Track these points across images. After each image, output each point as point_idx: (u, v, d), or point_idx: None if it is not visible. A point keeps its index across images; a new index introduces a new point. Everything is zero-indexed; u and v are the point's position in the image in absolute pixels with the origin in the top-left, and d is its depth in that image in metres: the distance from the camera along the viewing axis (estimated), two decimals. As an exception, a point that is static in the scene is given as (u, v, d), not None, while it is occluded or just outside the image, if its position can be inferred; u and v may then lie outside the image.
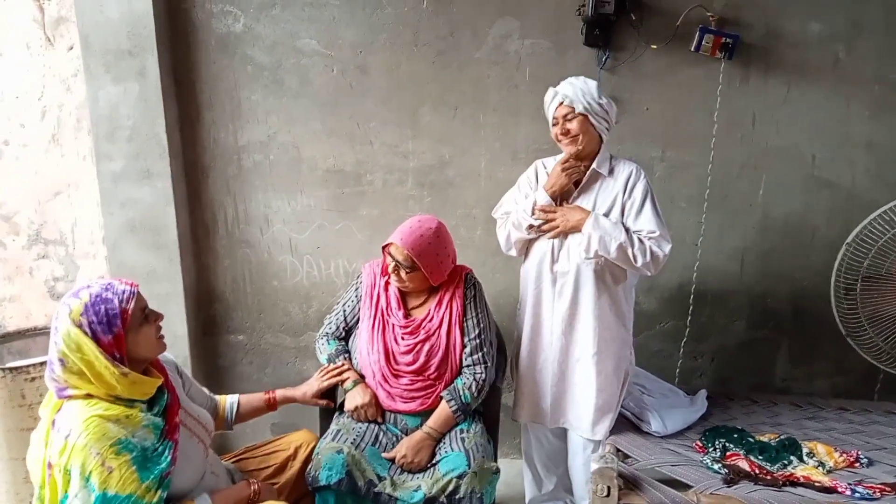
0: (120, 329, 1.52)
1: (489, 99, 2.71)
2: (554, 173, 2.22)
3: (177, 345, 2.79)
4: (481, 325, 2.17)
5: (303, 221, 2.84)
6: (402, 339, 2.12)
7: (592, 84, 2.14)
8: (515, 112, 2.72)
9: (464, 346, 2.14)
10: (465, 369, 2.14)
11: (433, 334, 2.12)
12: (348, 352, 2.24)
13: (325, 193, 2.81)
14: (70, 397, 1.52)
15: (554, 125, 2.20)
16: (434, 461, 2.00)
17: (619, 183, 2.20)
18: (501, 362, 2.40)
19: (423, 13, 2.63)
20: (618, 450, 2.17)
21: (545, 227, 2.22)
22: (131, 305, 1.55)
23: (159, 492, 1.51)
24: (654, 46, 2.59)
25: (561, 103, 2.15)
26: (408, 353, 2.11)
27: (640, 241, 2.14)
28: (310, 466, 1.92)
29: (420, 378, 2.11)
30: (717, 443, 2.22)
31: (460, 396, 2.09)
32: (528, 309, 2.33)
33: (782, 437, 2.28)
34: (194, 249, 2.85)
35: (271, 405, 2.11)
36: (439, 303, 2.16)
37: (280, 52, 2.67)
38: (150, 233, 2.68)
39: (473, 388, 2.10)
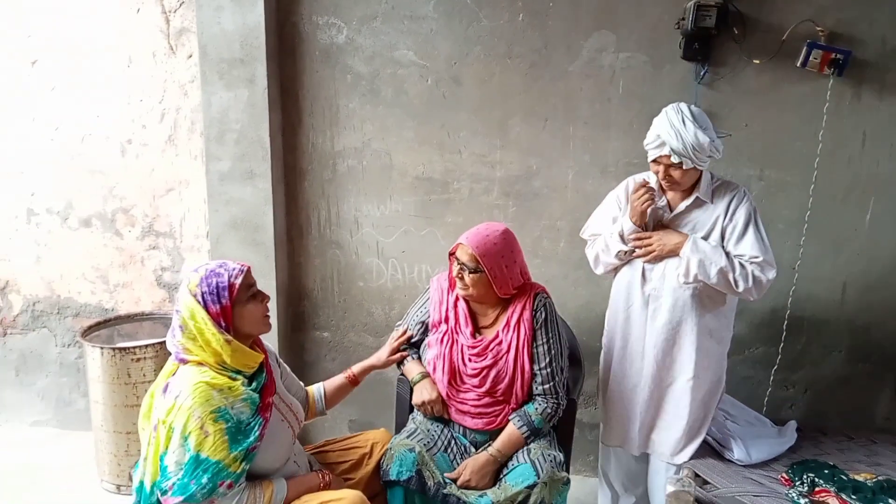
0: (227, 301, 1.68)
1: (580, 112, 2.71)
2: (631, 204, 2.17)
3: (267, 338, 2.91)
4: (552, 353, 2.08)
5: (390, 226, 2.93)
6: (470, 360, 2.08)
7: (704, 140, 1.99)
8: (606, 126, 2.70)
9: (533, 375, 2.07)
10: (536, 397, 2.08)
11: (501, 358, 2.05)
12: (417, 353, 2.26)
13: (413, 200, 2.89)
14: (185, 362, 1.69)
15: (653, 162, 2.12)
16: (500, 476, 2.01)
17: (721, 206, 2.13)
18: (578, 376, 2.38)
19: (518, 26, 2.67)
20: (696, 475, 2.10)
21: (640, 252, 2.18)
22: (238, 281, 1.71)
23: (243, 463, 1.63)
24: (758, 61, 2.50)
25: (668, 155, 2.04)
26: (475, 376, 2.07)
27: (742, 265, 2.06)
28: (383, 459, 1.98)
29: (487, 396, 2.08)
30: (805, 477, 2.10)
31: (532, 421, 2.04)
32: (618, 331, 2.30)
33: (880, 477, 2.13)
34: (288, 248, 3.00)
35: (353, 381, 2.19)
36: (507, 324, 2.08)
37: (378, 63, 2.78)
38: (249, 230, 2.85)
39: (545, 414, 2.05)
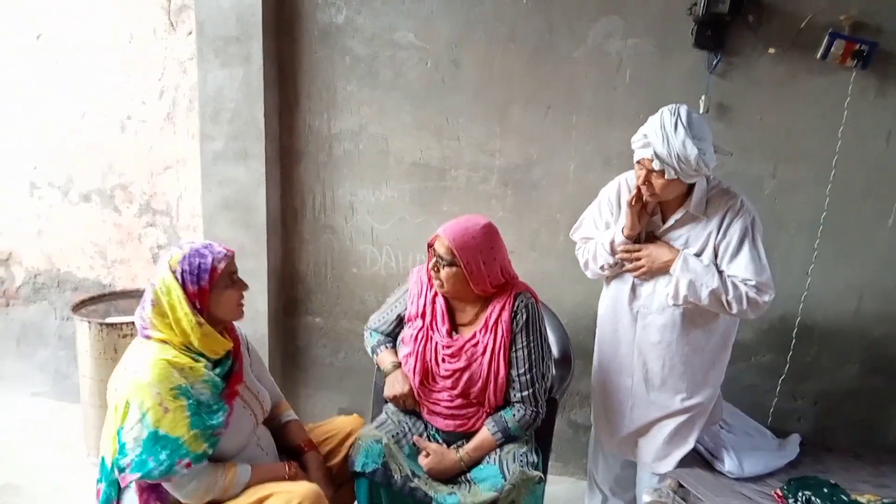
0: (206, 283, 1.65)
1: (584, 100, 2.59)
2: (626, 215, 2.01)
3: (257, 320, 2.90)
4: (532, 358, 1.93)
5: (385, 212, 2.85)
6: (444, 360, 1.97)
7: (692, 152, 1.80)
8: (611, 115, 2.57)
9: (511, 381, 1.93)
10: (515, 403, 1.96)
11: (475, 361, 1.93)
12: (392, 343, 2.15)
13: (409, 187, 2.80)
14: (149, 338, 1.66)
15: (637, 164, 1.95)
16: (468, 475, 1.92)
17: (714, 221, 1.96)
18: (566, 375, 2.27)
19: (521, 9, 2.56)
20: (680, 485, 1.98)
21: (629, 266, 2.05)
22: (221, 266, 1.68)
23: (205, 445, 1.59)
24: (772, 50, 2.35)
25: (651, 159, 1.87)
26: (448, 377, 1.96)
27: (736, 286, 1.91)
28: (351, 449, 1.92)
29: (460, 397, 1.97)
30: (800, 494, 1.97)
31: (508, 428, 1.93)
32: (606, 345, 2.20)
33: (885, 500, 1.98)
34: (282, 232, 2.95)
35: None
36: (485, 325, 1.94)
37: (377, 45, 2.70)
38: (242, 211, 2.81)
39: (523, 422, 1.93)
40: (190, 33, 2.84)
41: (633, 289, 2.08)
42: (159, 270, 1.66)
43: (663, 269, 1.99)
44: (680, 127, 1.82)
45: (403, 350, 2.06)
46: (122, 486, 1.63)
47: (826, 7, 2.28)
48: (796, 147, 2.45)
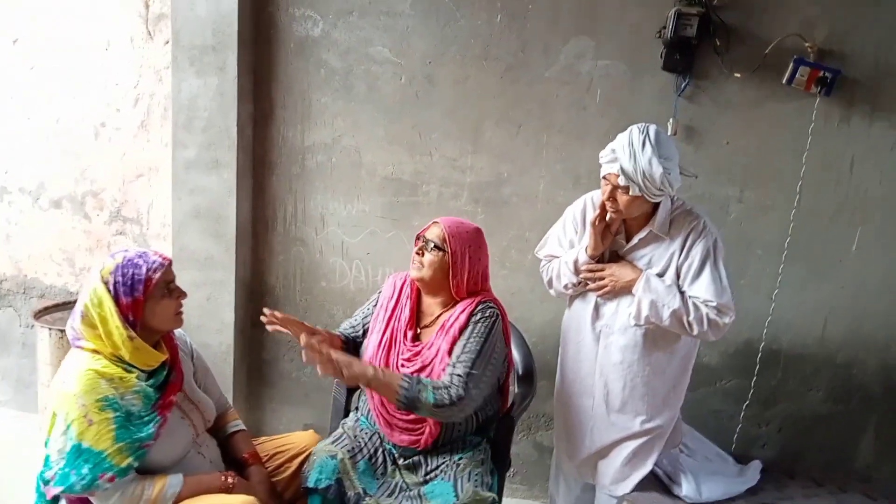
0: (140, 295, 1.60)
1: (555, 119, 2.60)
2: (590, 234, 2.01)
3: (224, 332, 2.87)
4: (467, 348, 1.84)
5: (356, 226, 2.84)
6: (403, 365, 1.94)
7: (658, 171, 1.80)
8: (582, 135, 2.59)
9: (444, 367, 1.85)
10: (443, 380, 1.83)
11: (429, 364, 1.91)
12: (351, 343, 2.11)
13: (381, 200, 2.80)
14: (80, 348, 1.61)
15: (603, 179, 1.94)
16: (421, 490, 1.88)
17: (678, 241, 1.95)
18: (528, 393, 2.25)
19: (495, 27, 2.59)
20: (637, 508, 1.95)
21: (592, 286, 2.05)
22: (157, 276, 1.62)
23: (129, 458, 1.54)
24: (738, 75, 2.38)
25: (617, 174, 1.87)
26: None
27: (697, 307, 1.91)
28: (306, 464, 1.88)
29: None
30: (758, 521, 1.95)
31: (419, 390, 1.75)
32: (568, 364, 2.18)
33: (843, 528, 1.96)
34: (252, 242, 2.93)
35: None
36: (442, 327, 1.92)
37: (352, 58, 2.72)
38: (212, 221, 2.79)
39: (437, 394, 1.75)
40: (167, 42, 2.85)
41: (596, 308, 2.08)
42: (91, 281, 1.60)
43: (626, 289, 1.99)
44: (648, 145, 1.83)
45: (367, 354, 2.03)
46: (48, 498, 1.56)
47: (792, 33, 2.32)
48: (762, 171, 2.47)
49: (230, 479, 1.70)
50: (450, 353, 1.88)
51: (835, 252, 2.47)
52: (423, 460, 1.95)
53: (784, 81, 2.35)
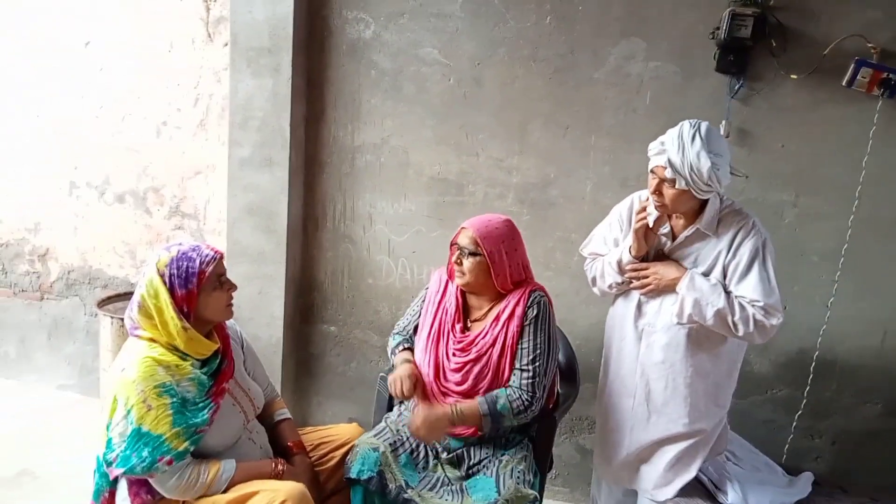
0: (194, 287, 1.67)
1: (603, 121, 2.59)
2: (632, 237, 1.99)
3: (273, 325, 2.96)
4: (537, 351, 1.95)
5: (403, 224, 2.89)
6: (454, 354, 2.00)
7: (706, 164, 1.77)
8: (630, 138, 2.57)
9: (513, 371, 1.95)
10: (511, 386, 1.95)
11: (484, 354, 1.96)
12: (411, 345, 2.17)
13: (427, 200, 2.84)
14: (138, 336, 1.69)
15: (651, 172, 1.92)
16: (463, 484, 1.90)
17: (725, 240, 1.92)
18: (571, 394, 2.24)
19: (544, 29, 2.59)
20: (679, 514, 1.93)
21: (636, 284, 2.03)
22: (209, 269, 1.69)
23: (186, 442, 1.61)
24: (794, 76, 2.32)
25: (664, 167, 1.85)
26: (457, 370, 1.99)
27: (743, 307, 1.86)
28: (349, 456, 1.93)
29: (467, 398, 1.97)
30: (805, 534, 1.89)
31: (496, 402, 1.90)
32: (611, 364, 2.16)
33: (897, 548, 1.89)
34: (303, 239, 3.01)
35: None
36: (496, 319, 1.99)
37: (402, 60, 2.77)
38: (264, 217, 2.88)
39: (513, 404, 1.90)
40: (226, 44, 2.96)
41: (639, 306, 2.06)
42: (147, 272, 1.66)
43: (670, 287, 1.96)
44: (698, 138, 1.80)
45: (418, 348, 2.09)
46: (111, 478, 1.66)
47: (853, 34, 2.25)
48: (818, 176, 2.40)
49: (280, 466, 1.77)
50: (511, 348, 1.95)
51: (895, 261, 2.38)
52: (465, 454, 1.98)
53: (844, 83, 2.27)
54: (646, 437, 2.06)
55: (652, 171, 1.91)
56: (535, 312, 1.98)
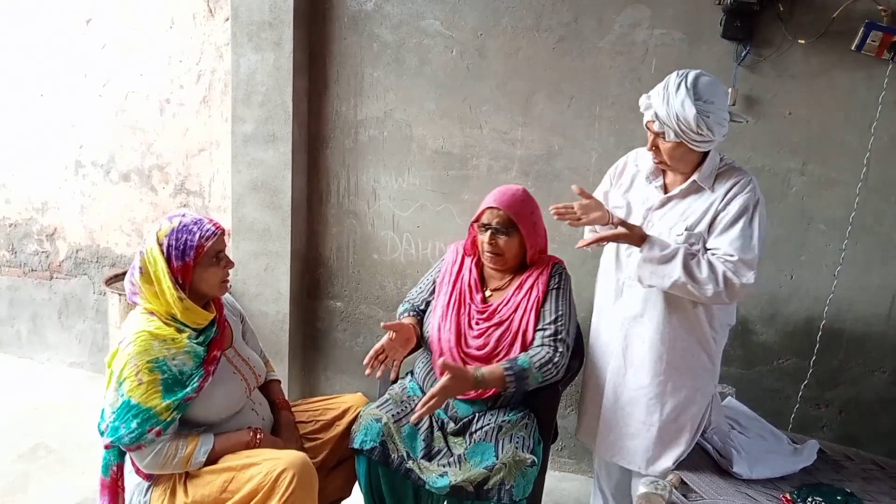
0: (191, 260, 1.67)
1: (608, 91, 2.56)
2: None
3: (280, 301, 2.97)
4: (559, 312, 1.98)
5: (407, 199, 2.88)
6: (476, 323, 2.04)
7: (691, 112, 1.72)
8: (635, 107, 2.45)
9: (535, 332, 1.98)
10: (533, 346, 1.97)
11: (507, 319, 2.01)
12: (420, 316, 2.18)
13: (431, 174, 2.83)
14: (136, 304, 1.72)
15: (647, 128, 1.89)
16: (464, 453, 1.92)
17: (720, 193, 1.85)
18: (575, 366, 2.24)
19: (548, -3, 2.56)
20: (683, 482, 1.93)
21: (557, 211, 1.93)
22: (209, 244, 1.70)
23: (174, 412, 1.63)
24: (802, 41, 2.27)
25: (652, 120, 1.82)
26: (479, 336, 2.03)
27: (711, 265, 1.78)
28: (353, 426, 1.95)
29: (486, 363, 1.97)
30: (811, 500, 1.89)
31: (517, 360, 1.89)
32: (594, 321, 2.15)
33: (903, 513, 1.89)
34: (307, 215, 3.01)
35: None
36: (519, 287, 2.03)
37: (404, 32, 2.74)
38: (269, 193, 2.88)
39: (536, 358, 1.89)
40: (227, 19, 2.94)
41: (618, 259, 2.03)
42: (148, 240, 1.68)
43: (620, 239, 1.87)
44: (682, 88, 1.76)
45: (435, 316, 2.09)
46: (104, 447, 1.70)
47: (862, -3, 2.20)
48: (827, 142, 2.37)
49: (259, 435, 1.78)
50: (536, 313, 1.99)
51: (904, 228, 2.36)
52: (471, 421, 2.00)
53: (853, 48, 2.23)
54: (624, 397, 2.02)
55: (646, 127, 1.88)
56: (557, 281, 2.06)
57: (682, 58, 2.44)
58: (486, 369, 1.88)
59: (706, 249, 1.84)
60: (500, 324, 2.01)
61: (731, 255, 1.77)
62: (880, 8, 2.20)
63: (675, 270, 1.79)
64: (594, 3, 2.51)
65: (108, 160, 3.29)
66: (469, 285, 2.11)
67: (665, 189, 1.97)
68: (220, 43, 2.99)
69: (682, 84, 1.76)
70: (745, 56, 2.36)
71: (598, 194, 2.15)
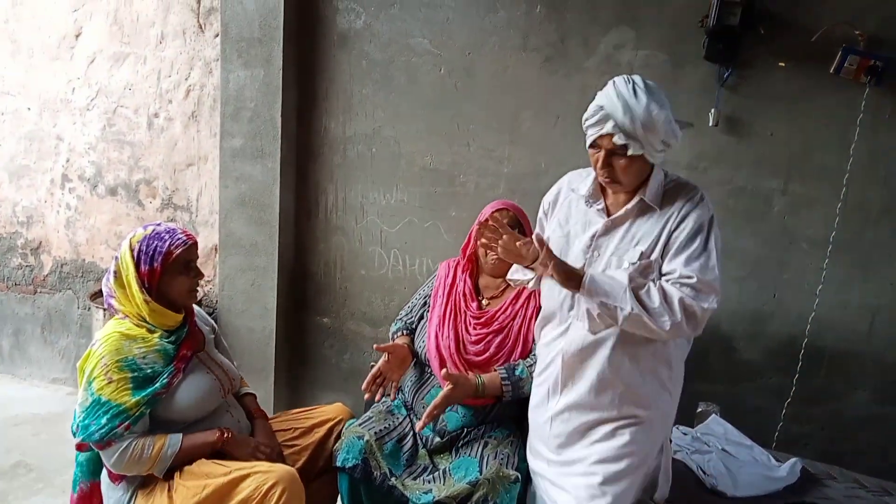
0: (158, 266, 1.72)
1: (594, 110, 2.59)
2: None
3: (266, 317, 2.96)
4: None
5: (395, 215, 2.89)
6: (474, 329, 2.08)
7: (659, 116, 1.55)
8: (620, 126, 2.56)
9: (533, 342, 2.00)
10: (530, 354, 2.02)
11: (506, 326, 2.06)
12: (412, 333, 2.21)
13: (419, 191, 2.84)
14: (111, 307, 1.77)
15: (592, 147, 1.66)
16: (448, 468, 1.92)
17: (670, 212, 1.65)
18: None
19: (535, 18, 2.59)
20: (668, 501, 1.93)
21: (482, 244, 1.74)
22: (177, 251, 1.75)
23: (144, 407, 1.67)
24: (783, 64, 2.32)
25: (611, 134, 1.58)
26: (478, 342, 2.06)
27: (666, 293, 1.56)
28: (336, 444, 1.95)
29: (486, 373, 1.99)
30: (793, 518, 1.91)
31: (514, 368, 1.97)
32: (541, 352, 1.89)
33: (884, 531, 1.90)
34: (295, 230, 3.01)
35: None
36: (516, 298, 2.09)
37: (393, 50, 2.77)
38: (257, 208, 2.89)
39: (532, 368, 1.93)
40: (217, 35, 2.96)
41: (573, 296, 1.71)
42: (123, 246, 1.75)
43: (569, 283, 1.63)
44: (640, 92, 1.57)
45: (432, 325, 2.12)
46: (76, 448, 1.75)
47: (840, 21, 2.25)
48: (807, 163, 2.41)
49: (227, 434, 1.78)
50: (533, 321, 2.00)
51: (883, 248, 2.39)
52: (458, 436, 2.01)
53: (832, 71, 2.28)
54: (566, 425, 1.76)
55: (592, 146, 1.66)
56: None
57: (666, 79, 2.48)
58: (486, 377, 1.95)
59: (661, 275, 1.64)
60: (499, 330, 2.07)
61: (689, 277, 1.58)
62: (857, 32, 2.25)
63: (625, 302, 1.56)
64: (580, 24, 2.55)
65: (94, 174, 3.28)
66: (463, 293, 2.16)
67: (607, 212, 1.74)
68: (209, 58, 3.01)
69: (637, 88, 1.59)
70: (728, 77, 2.41)
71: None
